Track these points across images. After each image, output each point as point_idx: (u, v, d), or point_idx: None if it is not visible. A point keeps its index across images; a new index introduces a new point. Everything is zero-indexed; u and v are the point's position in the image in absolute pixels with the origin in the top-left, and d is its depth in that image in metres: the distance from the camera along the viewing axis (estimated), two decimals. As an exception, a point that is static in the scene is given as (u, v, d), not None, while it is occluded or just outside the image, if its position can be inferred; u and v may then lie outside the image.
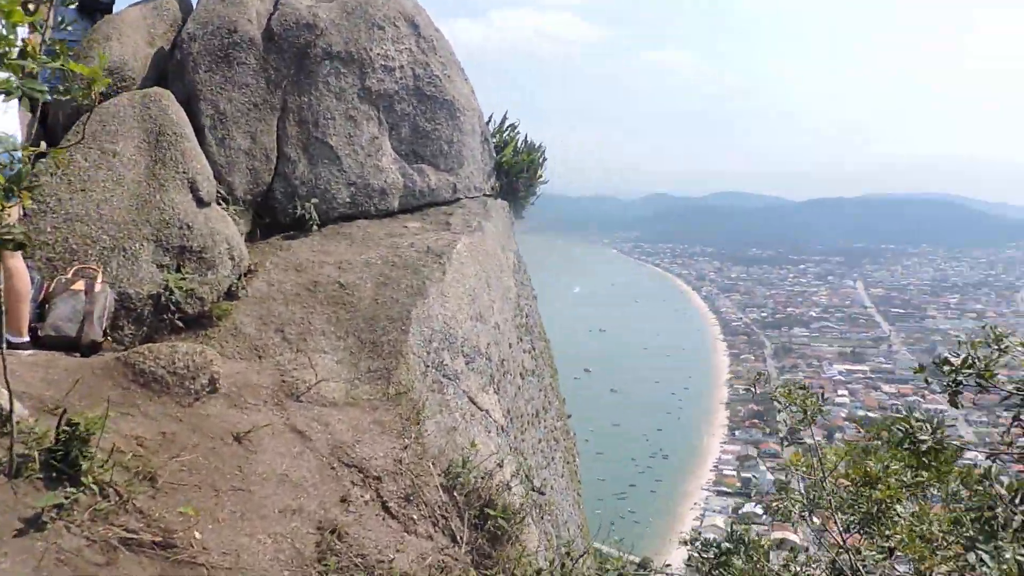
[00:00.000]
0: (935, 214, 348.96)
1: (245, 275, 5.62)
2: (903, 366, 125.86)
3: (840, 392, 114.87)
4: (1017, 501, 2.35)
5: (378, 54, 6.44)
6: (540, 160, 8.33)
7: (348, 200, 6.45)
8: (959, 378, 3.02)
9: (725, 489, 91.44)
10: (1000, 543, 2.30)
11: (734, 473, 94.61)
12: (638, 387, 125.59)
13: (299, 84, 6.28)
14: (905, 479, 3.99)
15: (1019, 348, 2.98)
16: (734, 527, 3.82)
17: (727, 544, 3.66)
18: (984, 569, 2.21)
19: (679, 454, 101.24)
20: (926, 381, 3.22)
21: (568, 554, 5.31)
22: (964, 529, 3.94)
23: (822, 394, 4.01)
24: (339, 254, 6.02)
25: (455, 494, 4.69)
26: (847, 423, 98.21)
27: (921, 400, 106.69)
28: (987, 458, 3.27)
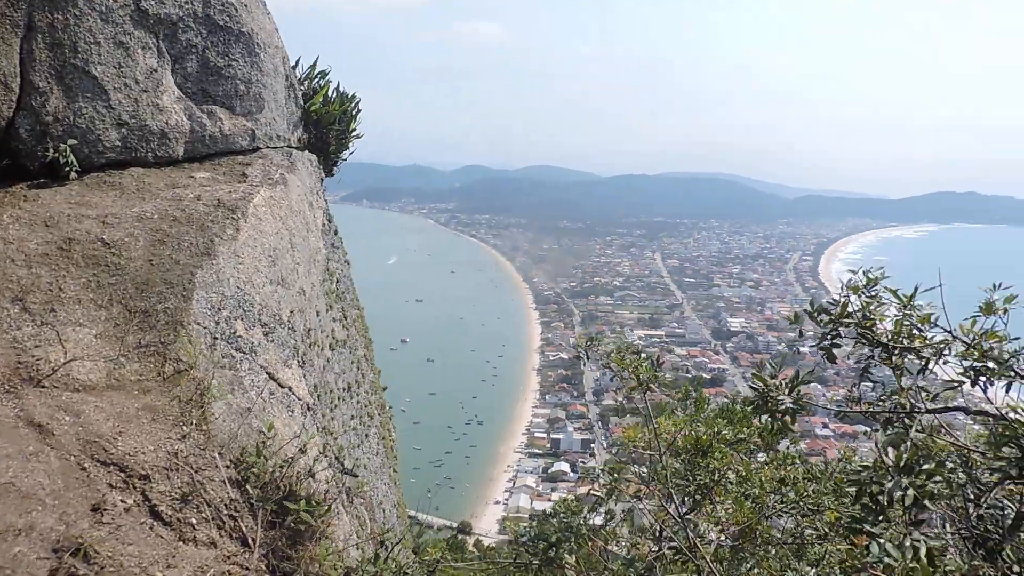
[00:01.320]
0: (723, 192, 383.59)
1: (-27, 230, 4.48)
2: (692, 331, 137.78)
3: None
4: (906, 472, 2.20)
5: (155, -30, 5.39)
6: (354, 112, 7.60)
7: (118, 143, 5.39)
8: (839, 328, 2.86)
9: (536, 451, 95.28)
10: (889, 522, 2.13)
11: (544, 435, 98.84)
12: (454, 356, 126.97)
13: (50, -2, 5.11)
14: (728, 438, 3.96)
15: (888, 294, 2.87)
16: (563, 518, 3.54)
17: (557, 535, 3.36)
18: (889, 561, 2.03)
19: (493, 420, 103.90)
20: (800, 333, 3.05)
21: (383, 544, 4.81)
22: (788, 488, 4.03)
23: (656, 359, 3.83)
24: (104, 206, 5.01)
25: (248, 488, 4.01)
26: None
27: (707, 361, 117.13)
28: (836, 416, 3.23)
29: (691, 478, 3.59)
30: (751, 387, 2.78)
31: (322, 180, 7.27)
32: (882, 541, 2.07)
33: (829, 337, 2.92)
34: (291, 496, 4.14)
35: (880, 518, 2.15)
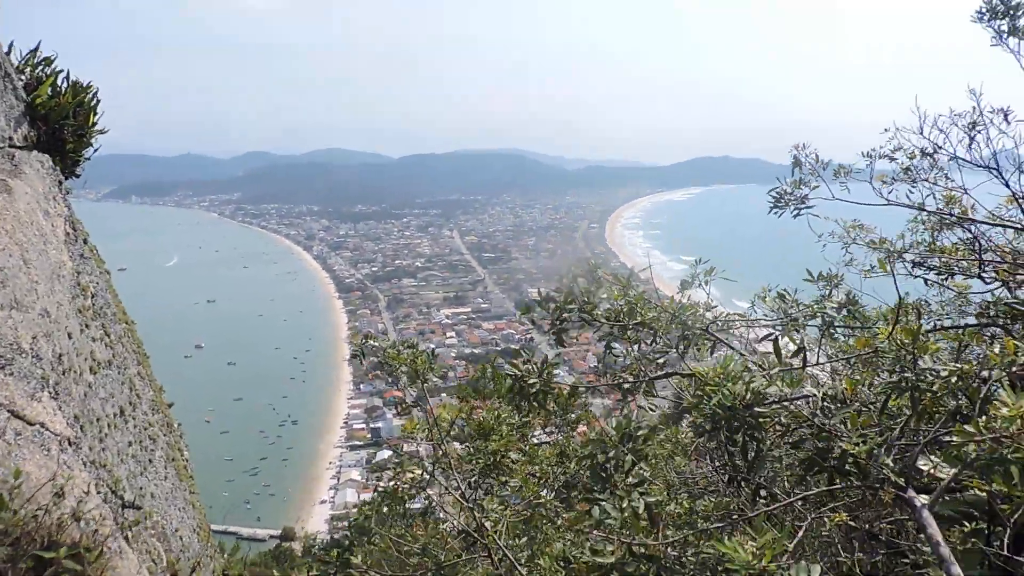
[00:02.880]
0: (511, 167, 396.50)
1: None
2: (497, 304, 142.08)
3: (449, 334, 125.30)
4: (625, 440, 2.35)
5: None
6: (92, 103, 6.74)
7: None
8: (564, 314, 3.00)
9: (357, 443, 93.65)
10: (617, 490, 2.28)
11: (363, 426, 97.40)
12: (257, 356, 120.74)
13: None
14: (514, 422, 4.06)
15: (609, 279, 3.05)
16: (355, 520, 3.45)
17: (347, 540, 3.27)
18: (609, 522, 2.15)
19: (308, 417, 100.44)
20: (532, 322, 3.16)
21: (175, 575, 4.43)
22: (569, 461, 4.24)
23: (432, 352, 3.81)
24: None
25: (-6, 546, 3.48)
26: (457, 361, 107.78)
27: (514, 333, 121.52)
28: (585, 391, 3.41)
29: (475, 461, 3.65)
30: (506, 373, 2.87)
31: (60, 183, 6.43)
32: (604, 504, 2.24)
33: (557, 323, 3.10)
34: (53, 546, 3.66)
35: (607, 485, 2.33)
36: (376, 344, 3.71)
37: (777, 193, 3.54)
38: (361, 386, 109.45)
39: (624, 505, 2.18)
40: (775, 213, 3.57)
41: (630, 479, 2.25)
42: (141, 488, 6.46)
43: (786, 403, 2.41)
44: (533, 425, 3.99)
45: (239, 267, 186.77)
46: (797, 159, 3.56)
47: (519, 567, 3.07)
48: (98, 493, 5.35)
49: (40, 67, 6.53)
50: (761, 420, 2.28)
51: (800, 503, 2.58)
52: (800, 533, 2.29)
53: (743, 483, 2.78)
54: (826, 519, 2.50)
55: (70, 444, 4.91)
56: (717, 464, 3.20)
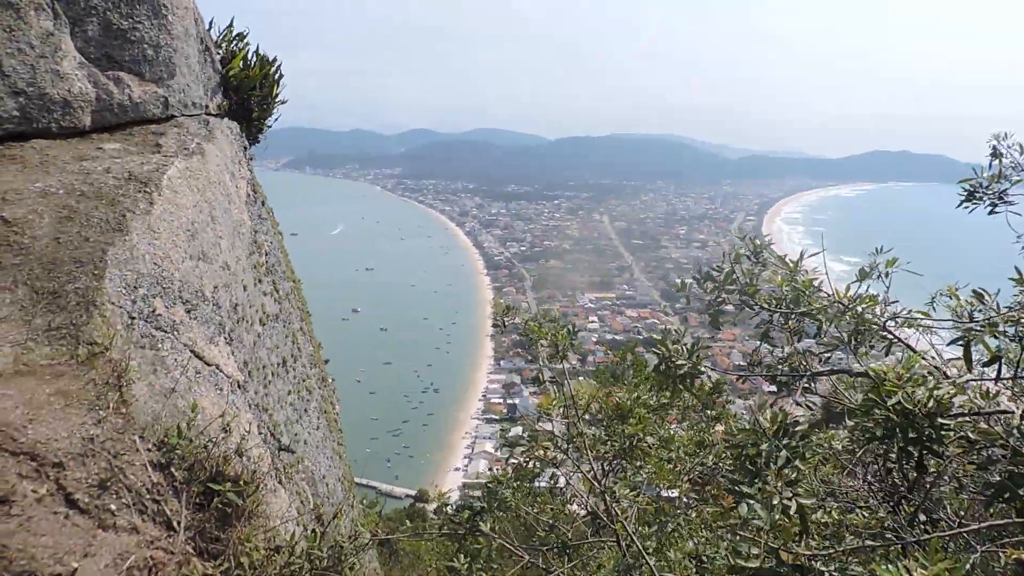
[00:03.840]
0: (669, 153, 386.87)
1: None
2: (642, 292, 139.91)
3: (591, 319, 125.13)
4: (780, 435, 2.20)
5: (46, -77, 5.00)
6: (276, 76, 7.27)
7: (16, 114, 5.05)
8: (723, 295, 2.84)
9: (493, 416, 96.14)
10: (766, 484, 2.14)
11: (501, 400, 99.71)
12: (407, 324, 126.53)
13: (-73, -46, 4.70)
14: (651, 403, 3.95)
15: (775, 261, 2.85)
16: (489, 487, 3.49)
17: (479, 504, 3.32)
18: (756, 522, 2.02)
19: (449, 387, 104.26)
20: (687, 300, 3.03)
21: (319, 518, 4.73)
22: (706, 452, 4.08)
23: (572, 327, 3.77)
24: (4, 182, 4.69)
25: (172, 471, 3.86)
26: (598, 347, 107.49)
27: (657, 322, 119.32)
28: (737, 379, 3.25)
29: (609, 444, 3.57)
30: (654, 352, 2.76)
31: (246, 148, 6.98)
32: (752, 502, 2.08)
33: (715, 304, 2.91)
34: (219, 477, 4.01)
35: (756, 480, 2.16)
36: (517, 315, 3.74)
37: (971, 186, 3.17)
38: (501, 362, 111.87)
39: (775, 503, 2.03)
40: (965, 207, 3.19)
41: (782, 478, 2.10)
42: (296, 434, 6.96)
43: (976, 417, 2.14)
44: (671, 415, 3.87)
45: (397, 239, 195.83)
46: (996, 150, 3.17)
47: (647, 556, 3.00)
48: (259, 434, 5.80)
49: (234, 42, 7.06)
50: (943, 433, 2.05)
51: (971, 532, 2.31)
52: (970, 565, 2.05)
53: (902, 501, 2.55)
54: (1001, 554, 2.23)
55: (239, 387, 5.36)
56: (872, 478, 2.95)
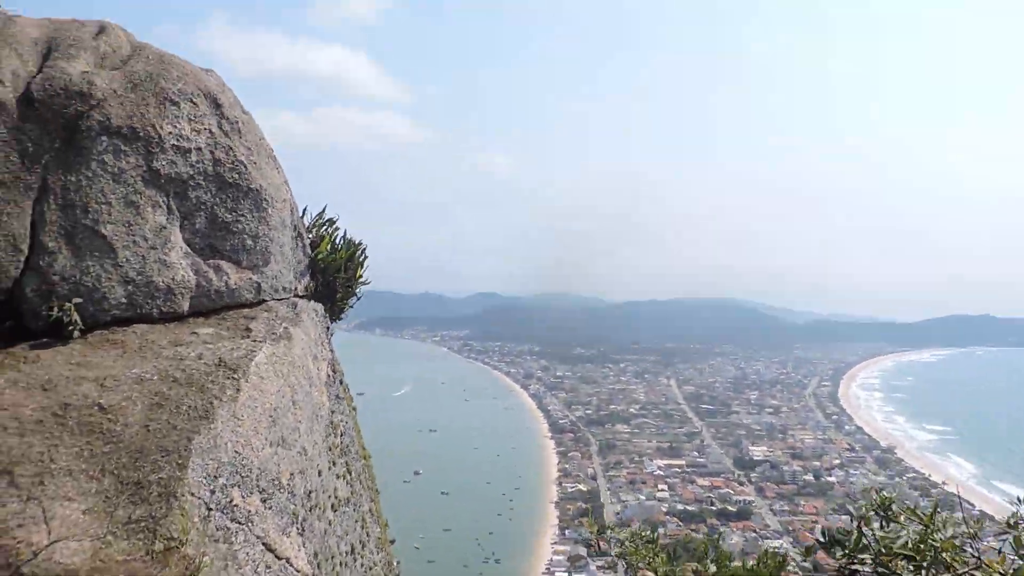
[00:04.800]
0: (734, 317, 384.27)
1: (-34, 397, 4.34)
2: (714, 460, 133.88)
3: (660, 486, 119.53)
4: None
5: (170, 132, 5.53)
6: (360, 259, 7.61)
7: (124, 300, 5.34)
8: (854, 564, 2.56)
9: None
10: None
11: (566, 574, 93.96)
12: (469, 488, 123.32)
13: (66, 162, 5.22)
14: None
15: (906, 515, 2.59)
16: None
17: None
18: None
19: (511, 557, 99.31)
20: (814, 567, 2.75)
21: None
22: None
23: (674, 551, 3.49)
24: (104, 367, 4.87)
25: None
26: (668, 517, 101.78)
27: (731, 493, 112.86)
28: None
29: None
30: None
31: (328, 328, 7.18)
32: None
33: (846, 571, 2.61)
34: None
35: None
36: (614, 534, 3.51)
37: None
38: (566, 531, 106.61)
39: None
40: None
41: None
42: (360, 629, 6.57)
43: None
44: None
45: (461, 400, 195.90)
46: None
47: None
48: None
49: (324, 226, 7.46)
50: None
51: None
52: None
53: None
54: None
55: (307, 581, 5.14)
56: None
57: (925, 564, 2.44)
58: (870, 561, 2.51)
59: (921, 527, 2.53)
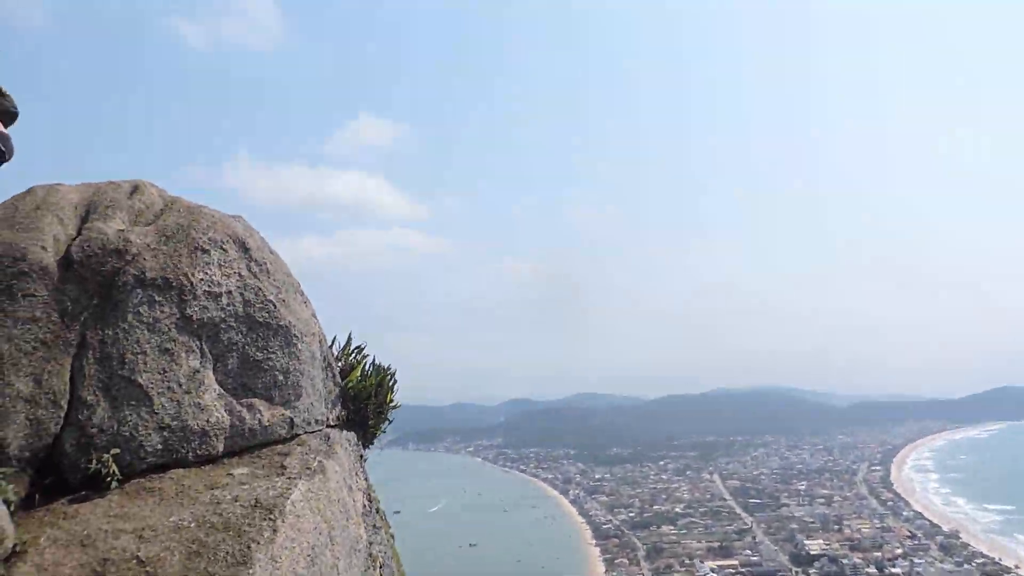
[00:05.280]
0: (774, 405, 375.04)
1: (8, 559, 4.36)
2: (768, 557, 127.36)
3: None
4: None
5: (201, 279, 5.77)
6: (390, 383, 7.68)
7: (160, 447, 5.42)
8: None
9: None
10: None
11: None
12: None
13: (103, 316, 5.44)
14: None
15: None
16: None
17: None
18: None
19: None
20: None
21: None
22: None
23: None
24: (142, 518, 4.89)
25: None
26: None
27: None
28: None
29: None
30: None
31: (362, 456, 7.17)
32: None
33: None
34: None
35: None
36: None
37: None
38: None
39: None
40: None
41: None
42: None
43: None
44: None
45: (500, 511, 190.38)
46: None
47: None
48: None
49: (353, 354, 7.58)
50: None
51: None
52: None
53: None
54: None
55: None
56: None
57: None
58: None
59: None
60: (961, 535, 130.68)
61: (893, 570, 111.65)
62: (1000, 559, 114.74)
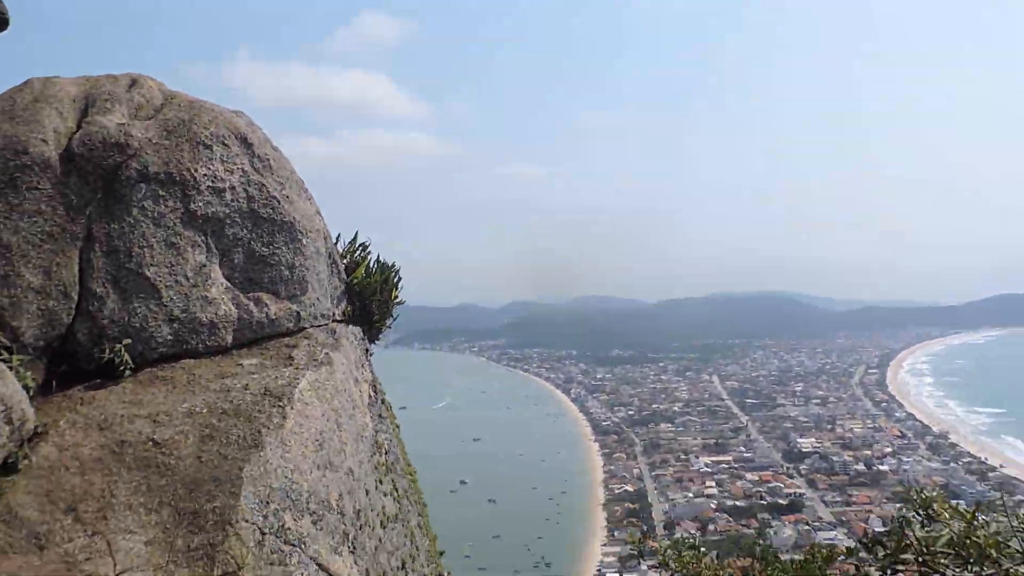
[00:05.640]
0: (774, 309, 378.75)
1: (30, 440, 4.58)
2: (762, 454, 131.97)
3: (708, 483, 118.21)
4: None
5: (204, 175, 5.77)
6: (395, 280, 7.79)
7: (170, 338, 5.58)
8: (897, 563, 2.60)
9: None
10: None
11: (617, 575, 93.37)
12: (516, 495, 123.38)
13: (108, 210, 5.48)
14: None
15: (947, 512, 2.63)
16: None
17: None
18: None
19: (561, 561, 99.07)
20: (856, 568, 2.79)
21: None
22: None
23: (717, 555, 3.55)
24: (156, 404, 5.10)
25: None
26: (718, 513, 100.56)
27: (781, 486, 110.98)
28: None
29: None
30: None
31: (367, 350, 7.36)
32: None
33: (889, 570, 2.65)
34: None
35: None
36: (655, 545, 3.58)
37: None
38: (615, 532, 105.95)
39: None
40: None
41: None
42: (415, 643, 6.71)
43: None
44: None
45: (503, 408, 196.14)
46: None
47: None
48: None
49: (358, 251, 7.66)
50: None
51: None
52: None
53: None
54: None
55: (361, 598, 5.30)
56: None
57: (972, 560, 2.47)
58: (912, 560, 2.55)
59: (964, 524, 2.57)
60: (950, 436, 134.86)
61: (881, 467, 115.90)
62: (986, 459, 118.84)
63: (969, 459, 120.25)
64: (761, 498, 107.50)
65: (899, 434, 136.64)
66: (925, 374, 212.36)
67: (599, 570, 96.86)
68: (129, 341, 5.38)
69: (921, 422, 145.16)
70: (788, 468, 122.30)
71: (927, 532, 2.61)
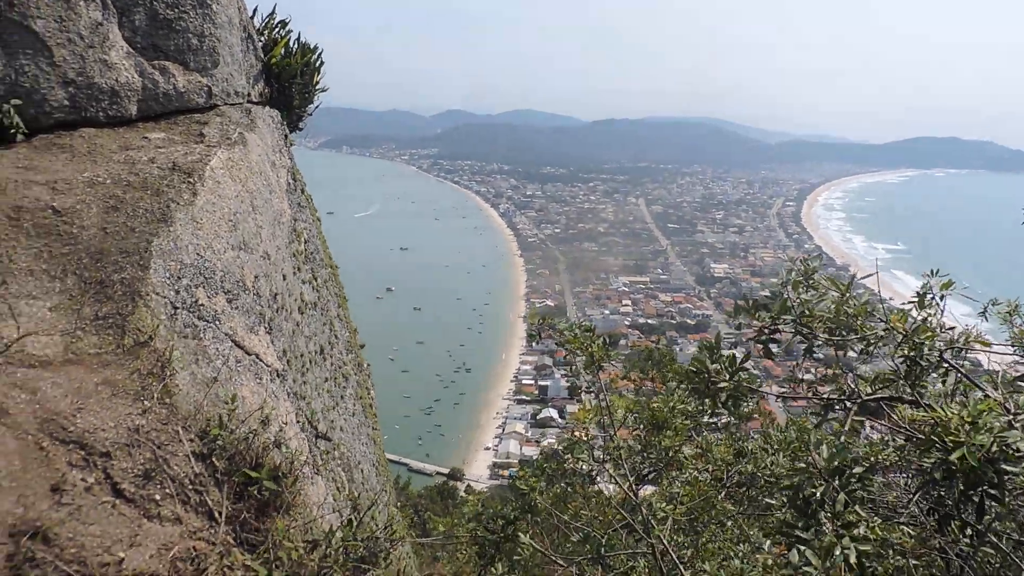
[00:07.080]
0: (707, 137, 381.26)
1: (-87, 199, 4.27)
2: (677, 277, 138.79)
3: (624, 302, 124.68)
4: (837, 478, 2.12)
5: (94, -86, 5.05)
6: (317, 63, 7.29)
7: (67, 103, 5.14)
8: (777, 325, 2.75)
9: (524, 397, 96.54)
10: (821, 527, 2.07)
11: (532, 382, 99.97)
12: (440, 304, 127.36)
13: (-18, -54, 4.78)
14: (689, 410, 3.91)
15: (825, 283, 2.77)
16: (522, 491, 3.48)
17: (514, 514, 3.31)
18: (808, 569, 1.95)
19: (481, 367, 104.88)
20: (739, 327, 2.94)
21: (355, 507, 4.78)
22: (746, 460, 4.02)
23: (608, 339, 3.71)
24: (54, 171, 4.78)
25: (213, 461, 3.93)
26: (631, 330, 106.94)
27: (691, 307, 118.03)
28: (777, 399, 3.16)
29: (645, 456, 3.54)
30: (690, 369, 2.68)
31: (286, 136, 7.02)
32: (803, 548, 2.02)
33: (767, 332, 2.80)
34: (258, 466, 4.07)
35: (812, 522, 2.09)
36: (553, 324, 3.72)
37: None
38: (533, 344, 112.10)
39: (836, 553, 1.95)
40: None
41: (839, 521, 2.02)
42: (332, 421, 7.05)
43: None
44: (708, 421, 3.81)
45: (431, 219, 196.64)
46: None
47: (682, 568, 2.96)
48: (297, 422, 5.88)
49: (276, 28, 7.08)
50: (1007, 478, 1.96)
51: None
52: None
53: (949, 519, 2.47)
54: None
55: (277, 376, 5.43)
56: (915, 489, 2.85)
57: (839, 328, 2.68)
58: (791, 321, 2.74)
59: (838, 294, 2.74)
60: (850, 268, 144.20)
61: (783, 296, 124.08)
62: (877, 291, 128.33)
63: (862, 290, 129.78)
64: (671, 318, 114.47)
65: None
66: (837, 209, 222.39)
67: (516, 376, 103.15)
68: (19, 102, 4.92)
69: (826, 254, 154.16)
70: (699, 291, 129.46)
71: (808, 297, 2.79)
